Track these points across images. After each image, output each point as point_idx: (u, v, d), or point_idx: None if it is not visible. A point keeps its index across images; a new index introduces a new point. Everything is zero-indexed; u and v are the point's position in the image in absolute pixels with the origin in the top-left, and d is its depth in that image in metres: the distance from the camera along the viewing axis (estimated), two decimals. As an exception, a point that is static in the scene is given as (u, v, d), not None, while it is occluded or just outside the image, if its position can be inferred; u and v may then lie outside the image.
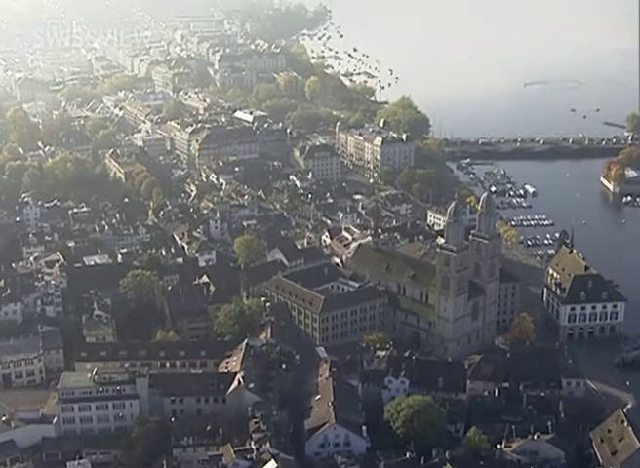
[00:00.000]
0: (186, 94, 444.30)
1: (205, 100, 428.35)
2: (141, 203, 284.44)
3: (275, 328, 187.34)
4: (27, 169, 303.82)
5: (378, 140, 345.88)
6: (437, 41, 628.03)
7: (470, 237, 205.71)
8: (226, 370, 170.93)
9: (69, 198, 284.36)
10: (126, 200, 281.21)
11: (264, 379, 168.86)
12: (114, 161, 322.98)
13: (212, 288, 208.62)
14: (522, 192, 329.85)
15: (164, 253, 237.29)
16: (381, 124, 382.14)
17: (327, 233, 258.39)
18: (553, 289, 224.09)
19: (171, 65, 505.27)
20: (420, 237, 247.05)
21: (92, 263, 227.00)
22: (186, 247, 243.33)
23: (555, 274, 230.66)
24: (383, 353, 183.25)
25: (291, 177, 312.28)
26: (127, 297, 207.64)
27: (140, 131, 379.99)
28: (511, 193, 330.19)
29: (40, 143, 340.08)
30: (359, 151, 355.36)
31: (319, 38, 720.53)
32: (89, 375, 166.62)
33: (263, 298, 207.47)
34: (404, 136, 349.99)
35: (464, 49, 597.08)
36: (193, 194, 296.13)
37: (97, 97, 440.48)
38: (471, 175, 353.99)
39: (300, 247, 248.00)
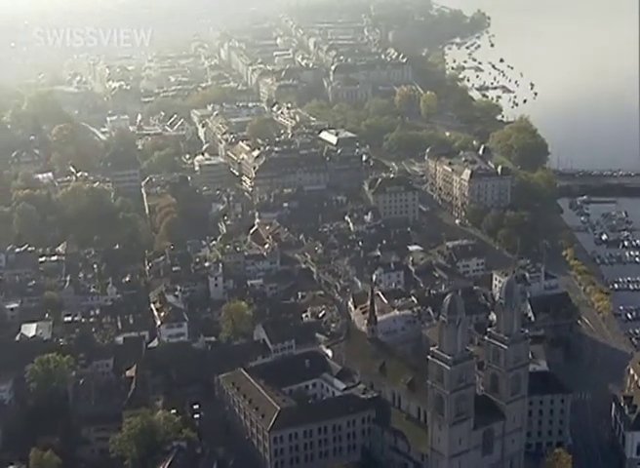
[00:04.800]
0: (279, 109, 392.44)
1: (294, 118, 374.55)
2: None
3: (179, 459, 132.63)
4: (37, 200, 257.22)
5: (466, 173, 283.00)
6: (592, 53, 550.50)
7: (486, 338, 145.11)
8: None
9: (66, 239, 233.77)
10: (116, 246, 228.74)
11: None
12: (146, 192, 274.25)
13: (132, 385, 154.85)
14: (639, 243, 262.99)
15: (120, 324, 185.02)
16: (481, 151, 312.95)
17: (352, 300, 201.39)
18: (622, 403, 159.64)
19: (280, 76, 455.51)
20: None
21: (19, 336, 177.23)
22: (156, 314, 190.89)
23: (636, 376, 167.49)
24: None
25: (346, 218, 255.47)
26: (29, 391, 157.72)
27: (203, 153, 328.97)
28: (625, 244, 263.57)
29: (72, 168, 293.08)
30: (447, 185, 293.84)
31: (467, 47, 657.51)
32: None
33: (196, 406, 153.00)
34: (499, 169, 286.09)
35: (616, 61, 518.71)
36: (220, 237, 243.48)
37: (185, 111, 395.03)
38: (583, 218, 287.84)
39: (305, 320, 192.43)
